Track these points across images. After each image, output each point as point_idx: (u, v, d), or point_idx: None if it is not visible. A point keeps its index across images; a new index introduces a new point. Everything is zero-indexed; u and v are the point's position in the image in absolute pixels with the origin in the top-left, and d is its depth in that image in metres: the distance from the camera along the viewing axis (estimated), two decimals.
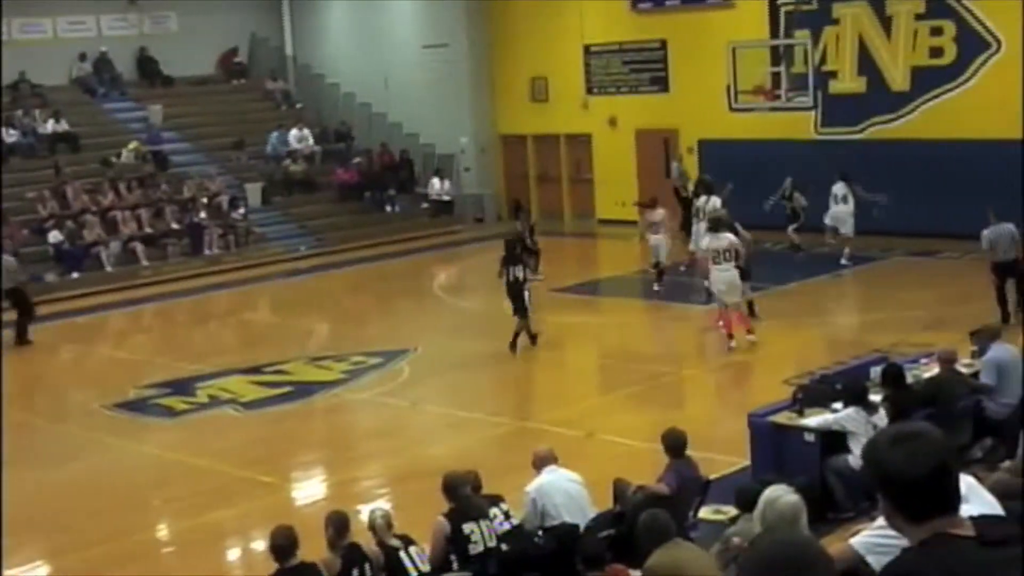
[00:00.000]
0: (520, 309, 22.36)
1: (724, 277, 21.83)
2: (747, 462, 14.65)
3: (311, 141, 39.70)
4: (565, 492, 11.79)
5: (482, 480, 12.42)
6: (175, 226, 34.74)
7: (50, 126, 36.84)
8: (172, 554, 15.62)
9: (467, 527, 11.06)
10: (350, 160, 39.64)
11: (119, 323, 30.24)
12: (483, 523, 11.17)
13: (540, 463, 12.17)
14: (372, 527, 11.00)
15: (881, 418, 13.70)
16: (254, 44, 43.26)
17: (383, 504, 13.87)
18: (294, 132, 39.49)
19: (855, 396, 13.91)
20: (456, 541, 11.04)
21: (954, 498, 4.10)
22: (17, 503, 16.14)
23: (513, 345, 22.30)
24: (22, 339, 26.44)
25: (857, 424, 13.64)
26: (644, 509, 10.50)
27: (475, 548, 11.05)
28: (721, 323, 22.20)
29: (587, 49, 37.02)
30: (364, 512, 15.61)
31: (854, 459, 13.41)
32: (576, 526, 11.73)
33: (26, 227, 32.92)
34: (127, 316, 30.53)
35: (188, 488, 15.70)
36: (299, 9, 43.10)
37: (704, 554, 9.50)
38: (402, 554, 10.69)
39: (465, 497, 11.37)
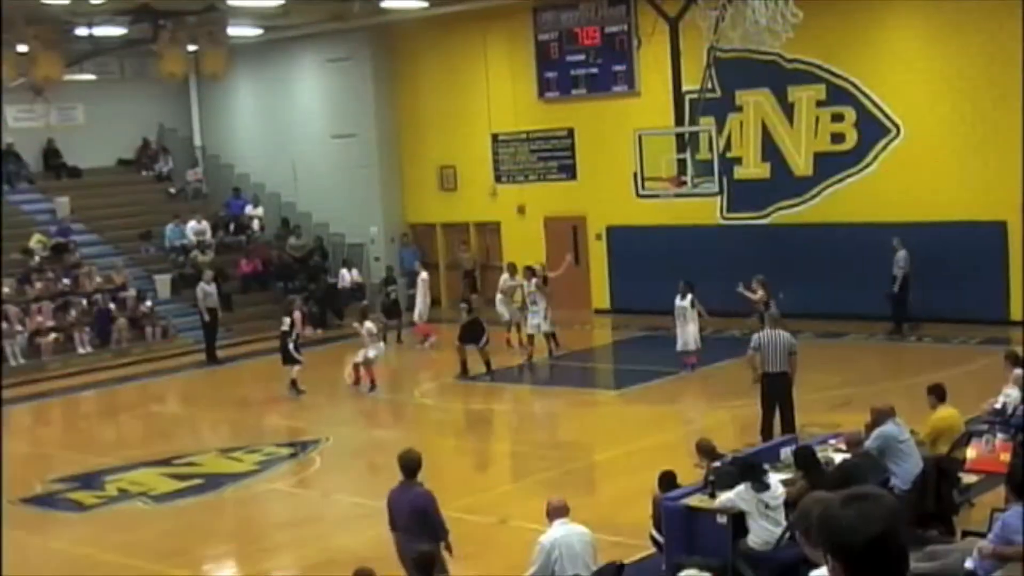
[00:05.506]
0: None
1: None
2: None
3: (209, 234, 39.59)
4: (570, 549, 12.02)
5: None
6: (81, 318, 34.45)
7: None
8: None
9: None
10: (250, 251, 39.56)
11: (26, 417, 29.82)
12: None
13: (553, 514, 12.39)
14: None
15: (773, 496, 13.67)
16: (162, 135, 43.17)
17: None
18: (192, 224, 39.34)
19: (745, 474, 13.95)
20: None
21: (903, 561, 4.15)
22: None
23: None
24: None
25: (748, 503, 13.66)
26: None
27: None
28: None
29: (495, 137, 37.26)
30: None
31: (752, 538, 13.51)
32: None
33: None
34: (34, 409, 30.12)
35: None
36: (207, 99, 43.06)
37: None
38: None
39: None
